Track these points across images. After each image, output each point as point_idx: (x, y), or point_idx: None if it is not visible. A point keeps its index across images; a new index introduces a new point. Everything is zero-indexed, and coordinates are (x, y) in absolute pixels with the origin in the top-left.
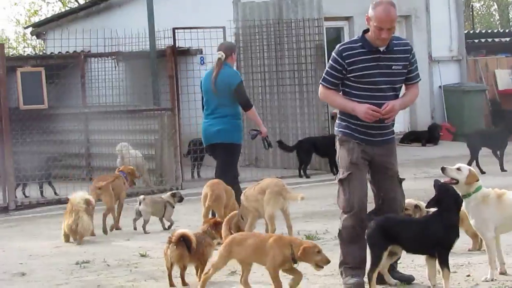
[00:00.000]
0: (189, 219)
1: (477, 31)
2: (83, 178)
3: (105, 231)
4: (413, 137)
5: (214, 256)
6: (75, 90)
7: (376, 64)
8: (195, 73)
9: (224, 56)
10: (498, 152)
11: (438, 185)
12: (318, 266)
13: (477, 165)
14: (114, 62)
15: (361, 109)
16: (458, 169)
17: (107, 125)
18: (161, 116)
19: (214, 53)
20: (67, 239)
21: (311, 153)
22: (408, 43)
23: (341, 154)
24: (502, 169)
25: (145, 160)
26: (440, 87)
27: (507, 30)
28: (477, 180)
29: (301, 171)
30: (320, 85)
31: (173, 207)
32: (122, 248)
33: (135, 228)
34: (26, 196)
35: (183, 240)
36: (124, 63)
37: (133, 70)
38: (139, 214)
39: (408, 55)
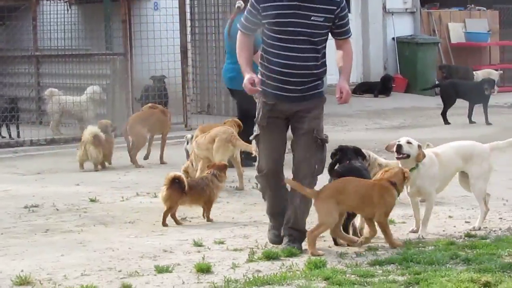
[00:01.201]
0: (143, 163)
1: None
2: (33, 121)
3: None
4: (365, 88)
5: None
6: (26, 33)
7: (292, 13)
8: (148, 18)
9: (243, 5)
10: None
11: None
12: None
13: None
14: (67, 5)
15: (244, 80)
16: (408, 142)
17: (58, 68)
18: (113, 61)
19: None
20: (81, 167)
21: None
22: None
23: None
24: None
25: (91, 105)
26: (393, 39)
27: None
28: (425, 157)
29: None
30: (238, 31)
31: None
32: (72, 193)
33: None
34: (3, 137)
35: (177, 182)
36: (77, 7)
37: (86, 13)
38: (187, 153)
39: (335, 8)
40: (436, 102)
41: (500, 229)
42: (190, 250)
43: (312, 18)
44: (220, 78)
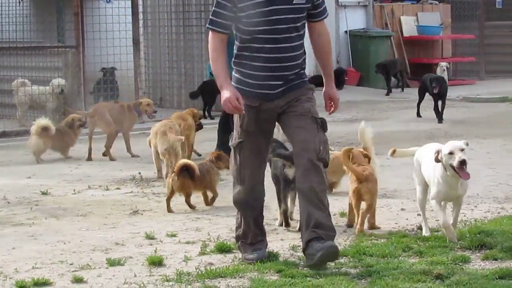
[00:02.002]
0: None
1: None
2: None
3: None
4: (318, 81)
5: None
6: None
7: None
8: (100, 11)
9: None
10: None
11: None
12: None
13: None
14: None
15: (225, 94)
16: (462, 149)
17: (10, 61)
18: (65, 54)
19: None
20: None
21: (216, 94)
22: None
23: (235, 116)
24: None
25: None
26: (346, 32)
27: None
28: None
29: (206, 112)
30: (209, 31)
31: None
32: (23, 185)
33: None
34: None
35: (186, 170)
36: None
37: (38, 6)
38: None
39: None
40: (389, 95)
41: None
42: (142, 243)
43: (294, 1)
44: (172, 71)
